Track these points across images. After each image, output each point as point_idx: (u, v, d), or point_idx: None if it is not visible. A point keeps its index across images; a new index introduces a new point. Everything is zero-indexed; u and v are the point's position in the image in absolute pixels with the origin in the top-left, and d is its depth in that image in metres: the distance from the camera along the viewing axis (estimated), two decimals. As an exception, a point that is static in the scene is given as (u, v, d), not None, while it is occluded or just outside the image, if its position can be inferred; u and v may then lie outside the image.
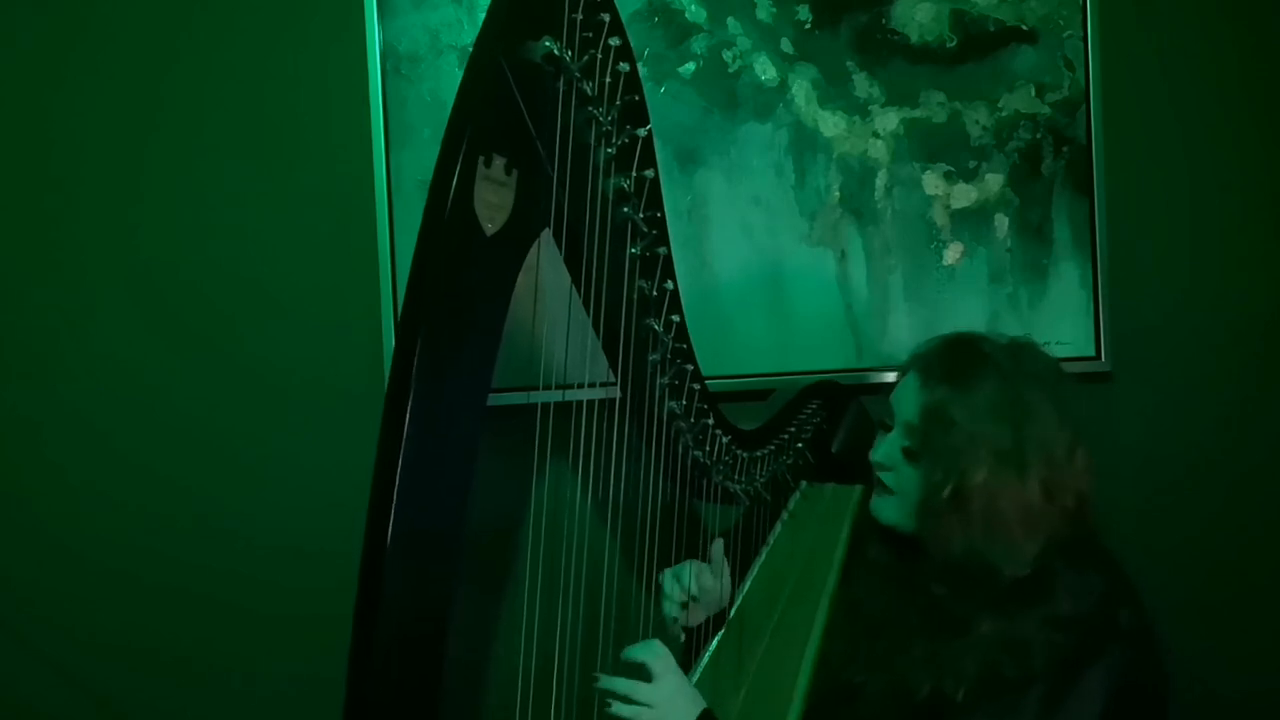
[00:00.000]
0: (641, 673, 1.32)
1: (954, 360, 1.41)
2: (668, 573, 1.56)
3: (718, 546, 1.59)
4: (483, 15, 1.78)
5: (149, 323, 1.74)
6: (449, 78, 1.81)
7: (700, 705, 1.32)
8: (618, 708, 1.30)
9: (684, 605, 1.53)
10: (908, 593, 1.41)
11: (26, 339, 1.70)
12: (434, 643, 1.07)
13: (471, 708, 1.79)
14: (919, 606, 1.38)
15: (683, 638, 1.56)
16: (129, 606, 1.74)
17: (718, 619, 1.57)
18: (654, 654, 1.33)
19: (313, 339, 1.80)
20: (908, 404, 1.43)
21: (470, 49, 1.77)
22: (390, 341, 1.79)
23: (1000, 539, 1.31)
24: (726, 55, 1.92)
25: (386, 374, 1.75)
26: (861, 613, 1.47)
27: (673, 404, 1.41)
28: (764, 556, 1.65)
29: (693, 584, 1.52)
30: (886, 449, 1.45)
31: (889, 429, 1.47)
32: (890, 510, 1.46)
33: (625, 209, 1.28)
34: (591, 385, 1.31)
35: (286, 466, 1.79)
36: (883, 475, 1.46)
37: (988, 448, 1.32)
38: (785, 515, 1.71)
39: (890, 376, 1.92)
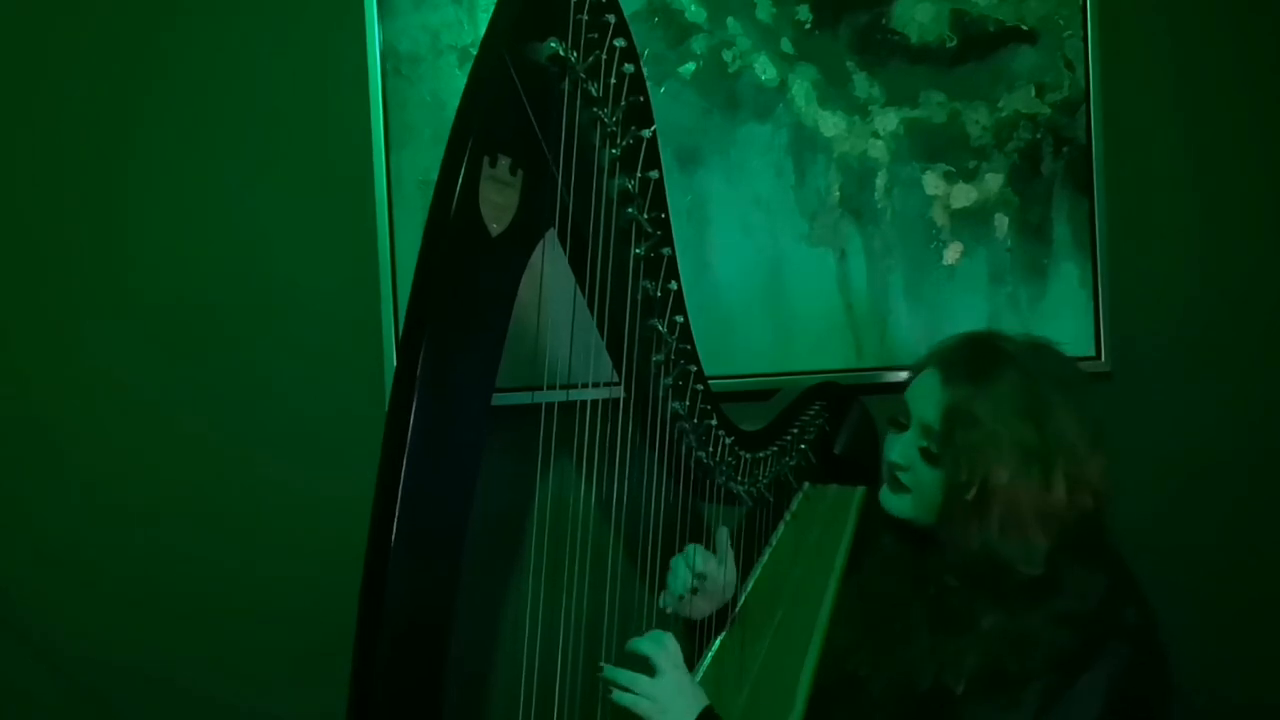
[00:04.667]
0: (646, 666, 1.33)
1: (976, 359, 1.40)
2: (677, 558, 1.56)
3: (723, 534, 1.59)
4: (483, 15, 1.82)
5: (148, 324, 1.73)
6: (449, 78, 1.81)
7: (702, 702, 1.33)
8: (618, 695, 1.31)
9: (693, 590, 1.53)
10: (917, 584, 1.42)
11: (26, 339, 1.69)
12: (438, 641, 1.07)
13: (476, 706, 1.79)
14: (927, 598, 1.38)
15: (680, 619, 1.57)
16: (129, 607, 1.73)
17: (720, 616, 1.57)
18: (659, 647, 1.34)
19: (313, 339, 1.79)
20: (926, 404, 1.41)
21: (470, 49, 1.81)
22: (390, 341, 1.79)
23: (1017, 539, 1.32)
24: (726, 55, 1.92)
25: (386, 374, 1.77)
26: (870, 601, 1.47)
27: (676, 405, 1.41)
28: (767, 557, 1.66)
29: (698, 562, 1.52)
30: (903, 449, 1.44)
31: (903, 427, 1.46)
32: (903, 505, 1.45)
33: (630, 210, 1.28)
34: (595, 385, 1.32)
35: (286, 467, 1.78)
36: (899, 475, 1.45)
37: (1012, 447, 1.32)
38: (788, 516, 1.72)
39: (891, 376, 1.94)
